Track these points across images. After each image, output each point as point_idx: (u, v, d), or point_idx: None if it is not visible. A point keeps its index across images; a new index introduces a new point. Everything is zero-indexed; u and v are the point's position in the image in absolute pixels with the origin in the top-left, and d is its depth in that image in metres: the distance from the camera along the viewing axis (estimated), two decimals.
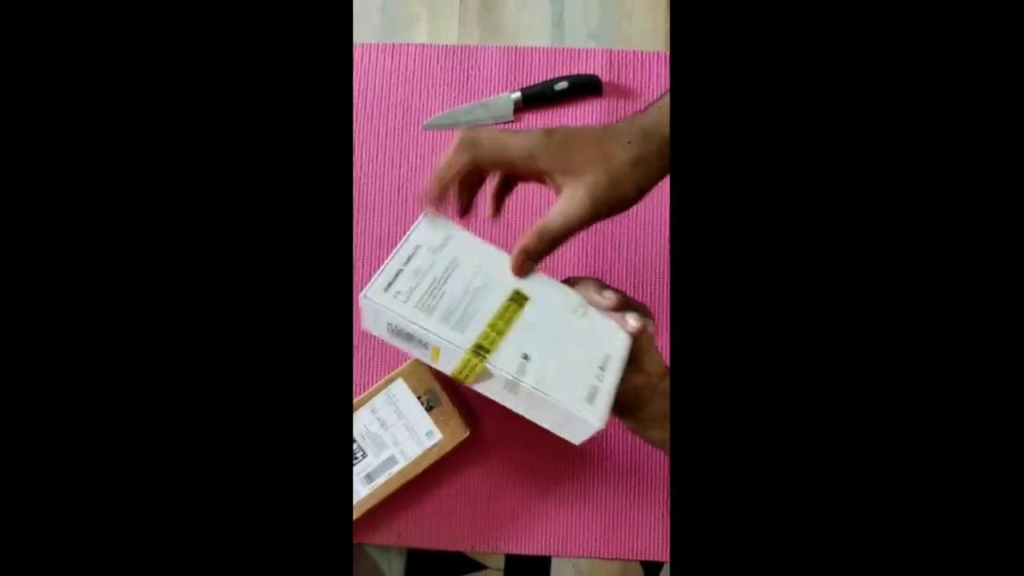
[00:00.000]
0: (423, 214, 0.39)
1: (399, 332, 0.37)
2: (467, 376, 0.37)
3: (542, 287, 0.39)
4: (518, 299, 0.38)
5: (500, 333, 0.37)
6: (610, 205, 0.37)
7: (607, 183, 0.36)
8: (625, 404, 0.39)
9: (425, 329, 0.36)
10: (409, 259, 0.38)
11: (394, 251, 0.38)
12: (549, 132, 0.37)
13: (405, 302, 0.37)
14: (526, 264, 0.38)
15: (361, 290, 0.36)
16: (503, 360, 0.36)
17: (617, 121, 0.39)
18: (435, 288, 0.37)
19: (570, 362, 0.37)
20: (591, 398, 0.36)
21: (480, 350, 0.36)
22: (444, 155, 0.38)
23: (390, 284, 0.37)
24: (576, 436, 0.37)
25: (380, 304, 0.36)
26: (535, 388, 0.36)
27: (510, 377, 0.36)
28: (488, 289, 0.38)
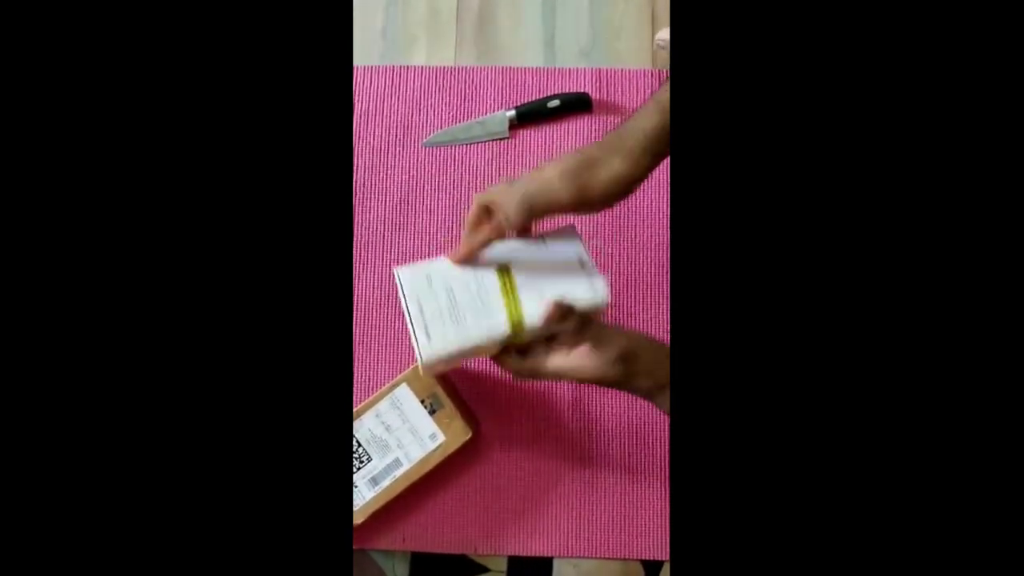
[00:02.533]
0: (396, 273, 0.45)
1: (463, 353, 0.45)
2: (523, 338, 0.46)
3: (507, 250, 0.46)
4: (504, 270, 0.46)
5: (516, 300, 0.45)
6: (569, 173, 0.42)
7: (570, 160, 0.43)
8: (616, 374, 0.43)
9: (477, 339, 0.44)
10: (421, 310, 0.44)
11: (408, 315, 0.44)
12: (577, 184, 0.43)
13: (451, 341, 0.44)
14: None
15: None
16: (532, 315, 0.44)
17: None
18: (455, 310, 0.45)
19: (558, 271, 0.46)
20: (586, 268, 0.46)
21: (516, 328, 0.44)
22: (471, 220, 0.44)
23: (429, 336, 0.44)
24: (595, 287, 0.46)
25: (439, 355, 0.44)
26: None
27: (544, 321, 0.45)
28: (482, 281, 0.45)
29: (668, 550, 0.59)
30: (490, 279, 0.45)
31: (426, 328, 0.44)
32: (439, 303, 0.45)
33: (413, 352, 0.64)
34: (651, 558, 0.59)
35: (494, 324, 0.44)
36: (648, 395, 0.43)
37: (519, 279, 0.45)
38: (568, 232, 0.48)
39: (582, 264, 0.46)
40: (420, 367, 0.45)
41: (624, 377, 0.42)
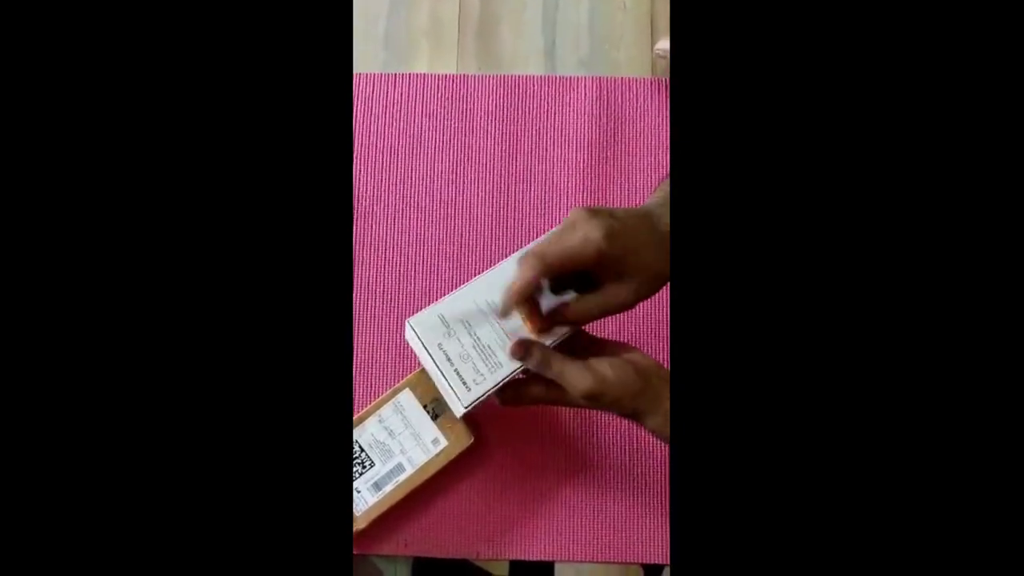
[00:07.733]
0: (408, 324, 0.44)
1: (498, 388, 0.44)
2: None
3: (503, 271, 0.45)
4: None
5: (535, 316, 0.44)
6: (645, 297, 0.42)
7: (649, 287, 0.42)
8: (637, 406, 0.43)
9: (510, 370, 0.44)
10: (448, 356, 0.44)
11: (434, 364, 0.43)
12: (610, 235, 0.39)
13: (486, 379, 0.44)
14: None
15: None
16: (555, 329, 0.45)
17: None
18: (482, 351, 0.44)
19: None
20: None
21: None
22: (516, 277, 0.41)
23: (464, 383, 0.43)
24: None
25: (479, 399, 0.44)
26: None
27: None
28: (497, 308, 0.44)
29: (668, 554, 0.59)
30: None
31: (459, 375, 0.43)
32: (463, 344, 0.44)
33: (415, 358, 0.64)
34: (652, 562, 0.59)
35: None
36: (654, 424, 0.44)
37: None
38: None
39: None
40: (457, 414, 0.45)
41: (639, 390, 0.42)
